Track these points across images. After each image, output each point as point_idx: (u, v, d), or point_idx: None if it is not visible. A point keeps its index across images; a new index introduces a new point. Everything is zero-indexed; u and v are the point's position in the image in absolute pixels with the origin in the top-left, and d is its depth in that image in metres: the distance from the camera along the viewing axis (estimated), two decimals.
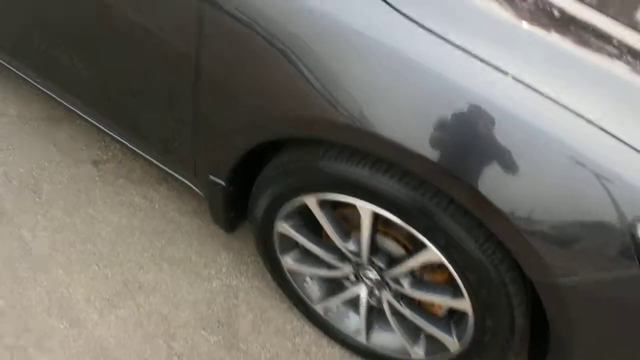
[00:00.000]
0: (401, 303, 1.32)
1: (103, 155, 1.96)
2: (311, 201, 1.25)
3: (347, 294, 1.42)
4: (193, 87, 1.23)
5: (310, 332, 1.60)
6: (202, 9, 1.11)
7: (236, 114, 1.20)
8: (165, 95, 1.35)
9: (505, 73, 0.92)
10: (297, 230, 1.36)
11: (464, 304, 1.18)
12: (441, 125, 0.96)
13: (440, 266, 1.18)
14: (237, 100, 1.17)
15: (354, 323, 1.48)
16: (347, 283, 1.42)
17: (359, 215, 1.19)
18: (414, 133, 0.98)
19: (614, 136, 0.89)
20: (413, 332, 1.37)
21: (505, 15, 1.00)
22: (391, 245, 1.27)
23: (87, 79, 1.58)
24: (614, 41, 1.01)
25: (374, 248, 1.26)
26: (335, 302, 1.46)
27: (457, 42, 0.94)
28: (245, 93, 1.15)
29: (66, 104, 1.76)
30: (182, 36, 1.17)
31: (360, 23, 0.99)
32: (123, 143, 1.68)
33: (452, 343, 1.29)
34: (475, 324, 1.20)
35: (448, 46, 0.95)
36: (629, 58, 1.00)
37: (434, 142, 0.96)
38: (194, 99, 1.25)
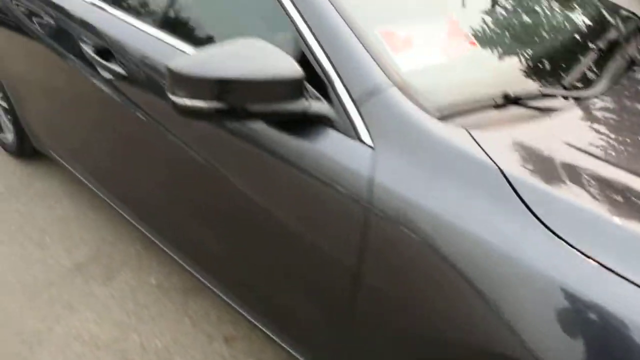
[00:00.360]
0: None
1: (234, 331, 2.00)
2: None
3: None
4: (349, 293, 1.24)
5: None
6: (367, 218, 1.14)
7: (393, 324, 1.19)
8: (314, 293, 1.37)
9: None
10: None
11: None
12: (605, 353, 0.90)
13: None
14: (397, 311, 1.17)
15: None
16: None
17: None
18: None
19: None
20: None
21: None
22: None
23: (229, 261, 1.66)
24: None
25: None
26: None
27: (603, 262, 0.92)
28: (406, 307, 1.14)
29: (203, 280, 1.84)
30: (343, 243, 1.21)
31: (530, 255, 0.98)
32: (256, 324, 1.71)
33: None
34: None
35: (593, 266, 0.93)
36: None
37: None
38: (348, 303, 1.26)
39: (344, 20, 1.22)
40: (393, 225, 1.11)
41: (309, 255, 1.33)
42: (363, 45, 1.19)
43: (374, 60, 1.18)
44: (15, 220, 2.50)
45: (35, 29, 2.13)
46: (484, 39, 1.39)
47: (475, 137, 1.10)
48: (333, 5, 1.23)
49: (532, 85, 1.34)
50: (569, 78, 1.41)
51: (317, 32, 1.23)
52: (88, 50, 1.78)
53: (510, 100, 1.26)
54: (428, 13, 1.38)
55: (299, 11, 1.25)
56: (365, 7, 1.31)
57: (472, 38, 1.36)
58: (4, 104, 2.77)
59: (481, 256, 1.02)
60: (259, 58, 1.15)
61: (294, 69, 1.14)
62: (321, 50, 1.22)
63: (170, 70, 1.13)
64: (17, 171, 2.85)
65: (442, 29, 1.32)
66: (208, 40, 1.51)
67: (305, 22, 1.24)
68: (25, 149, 2.79)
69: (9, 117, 2.77)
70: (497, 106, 1.25)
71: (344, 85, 1.19)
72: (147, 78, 1.61)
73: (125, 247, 2.35)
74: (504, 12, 1.55)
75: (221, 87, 1.12)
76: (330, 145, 1.19)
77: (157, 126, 1.63)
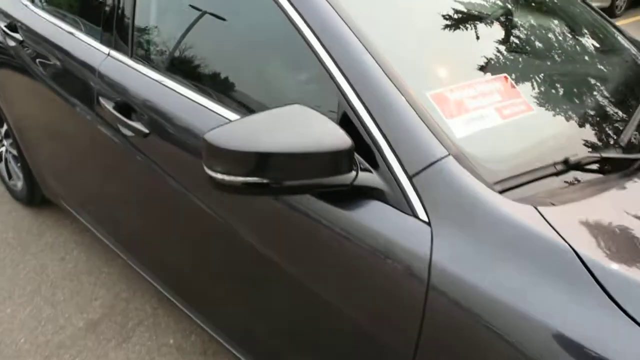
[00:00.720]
0: None
1: None
2: None
3: None
4: None
5: None
6: (424, 302, 1.03)
7: None
8: None
9: None
10: None
11: None
12: None
13: None
14: None
15: None
16: None
17: None
18: None
19: None
20: None
21: None
22: None
23: (255, 328, 1.55)
24: None
25: None
26: None
27: None
28: None
29: (226, 345, 1.71)
30: (393, 326, 1.10)
31: (614, 350, 0.87)
32: None
33: None
34: None
35: None
36: None
37: None
38: None
39: (394, 84, 1.13)
40: (453, 312, 1.00)
41: (351, 334, 1.22)
42: (415, 111, 1.10)
43: (427, 127, 1.09)
44: (26, 273, 2.40)
45: (46, 77, 2.05)
46: (538, 99, 1.30)
47: (544, 215, 1.00)
48: (381, 68, 1.14)
49: (591, 147, 1.24)
50: (628, 137, 1.31)
51: (364, 96, 1.14)
52: (107, 105, 1.69)
53: (570, 165, 1.16)
54: (479, 73, 1.29)
55: (343, 73, 1.16)
56: (414, 68, 1.22)
57: (526, 98, 1.27)
58: (14, 151, 2.68)
59: (557, 350, 0.91)
60: (303, 127, 1.05)
61: (342, 139, 1.04)
62: (369, 116, 1.12)
63: (207, 143, 1.04)
64: (27, 220, 2.75)
65: (494, 90, 1.23)
66: (239, 97, 1.42)
67: (351, 85, 1.15)
68: (35, 197, 2.70)
69: (18, 164, 2.68)
70: (558, 173, 1.15)
71: (396, 155, 1.09)
72: (169, 135, 1.51)
73: (141, 304, 2.23)
74: (556, 69, 1.46)
75: (263, 162, 1.02)
76: (380, 220, 1.09)
77: (177, 184, 1.54)
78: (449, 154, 1.06)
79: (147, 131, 1.57)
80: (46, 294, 2.29)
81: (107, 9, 1.80)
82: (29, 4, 2.27)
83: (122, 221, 1.99)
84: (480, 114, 1.17)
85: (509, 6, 1.60)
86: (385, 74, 1.14)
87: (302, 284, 1.28)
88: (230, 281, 1.55)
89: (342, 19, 1.22)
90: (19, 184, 2.75)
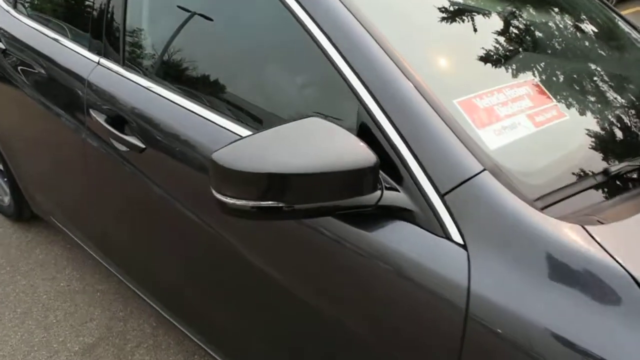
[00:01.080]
0: None
1: None
2: None
3: None
4: None
5: None
6: (462, 333, 0.94)
7: None
8: None
9: None
10: None
11: None
12: None
13: None
14: None
15: None
16: None
17: None
18: None
19: None
20: None
21: None
22: None
23: (268, 354, 1.44)
24: None
25: None
26: None
27: None
28: None
29: None
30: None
31: None
32: None
33: None
34: None
35: None
36: None
37: None
38: None
39: (418, 91, 1.02)
40: (495, 344, 0.90)
41: None
42: (443, 120, 0.99)
43: (459, 138, 0.98)
44: (16, 295, 2.27)
45: (32, 88, 1.93)
46: (569, 104, 1.20)
47: (593, 235, 0.90)
48: (403, 73, 1.04)
49: (630, 155, 1.15)
50: None
51: (385, 104, 1.03)
52: (98, 117, 1.57)
53: (610, 176, 1.07)
54: (505, 77, 1.19)
55: (361, 80, 1.06)
56: (438, 73, 1.12)
57: (558, 103, 1.16)
58: None
59: None
60: (321, 143, 0.94)
61: (366, 156, 0.94)
62: (392, 128, 1.02)
63: (214, 163, 0.93)
64: (15, 237, 2.62)
65: (524, 95, 1.13)
66: (244, 107, 1.31)
67: (370, 92, 1.05)
68: (24, 213, 2.57)
69: (5, 179, 2.55)
70: (598, 185, 1.05)
71: (425, 172, 0.98)
72: (168, 150, 1.40)
73: (139, 324, 2.11)
74: (584, 71, 1.36)
75: (277, 184, 0.92)
76: (409, 243, 0.99)
77: (176, 202, 1.43)
78: (485, 169, 0.96)
79: (143, 146, 1.45)
80: (38, 317, 2.16)
81: (95, 14, 1.68)
82: (10, 9, 2.14)
83: (116, 239, 1.87)
84: (512, 122, 1.07)
85: (532, 7, 1.50)
86: (408, 79, 1.04)
87: (318, 310, 1.18)
88: (236, 303, 1.44)
89: (357, 19, 1.11)
90: (6, 199, 2.62)
